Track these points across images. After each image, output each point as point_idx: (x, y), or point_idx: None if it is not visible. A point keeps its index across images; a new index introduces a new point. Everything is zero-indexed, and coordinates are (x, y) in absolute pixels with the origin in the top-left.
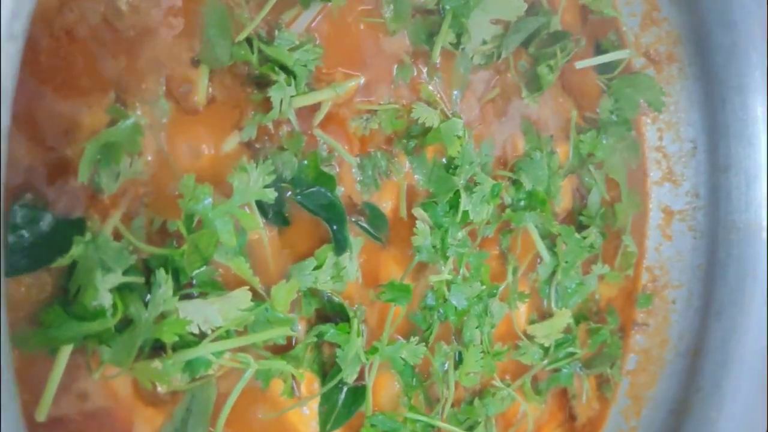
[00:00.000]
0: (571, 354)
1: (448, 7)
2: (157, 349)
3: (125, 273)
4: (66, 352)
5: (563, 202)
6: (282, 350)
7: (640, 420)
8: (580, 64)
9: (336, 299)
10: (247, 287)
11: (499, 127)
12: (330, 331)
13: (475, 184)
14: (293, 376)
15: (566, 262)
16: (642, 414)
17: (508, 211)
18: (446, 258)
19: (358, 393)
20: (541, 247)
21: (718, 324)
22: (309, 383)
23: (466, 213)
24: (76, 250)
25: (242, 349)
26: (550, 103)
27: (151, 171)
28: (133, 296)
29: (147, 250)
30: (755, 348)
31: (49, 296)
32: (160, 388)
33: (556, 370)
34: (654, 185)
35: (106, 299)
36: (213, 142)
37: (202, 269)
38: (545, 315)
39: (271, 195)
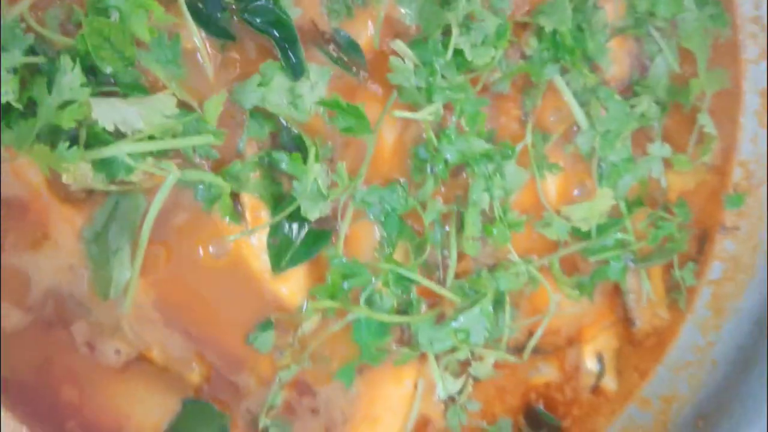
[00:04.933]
0: (622, 243)
1: None
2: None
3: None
4: None
5: (613, 67)
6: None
7: (720, 333)
8: None
9: (294, 130)
10: (171, 92)
11: None
12: (284, 159)
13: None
14: (238, 200)
15: (607, 131)
16: (723, 328)
17: (520, 63)
18: (431, 101)
19: (323, 234)
20: (575, 109)
21: None
22: (254, 210)
23: (461, 55)
24: None
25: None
26: None
27: None
28: (39, 81)
29: (41, 31)
30: None
31: None
32: (66, 179)
33: (604, 263)
34: (750, 64)
35: (2, 77)
36: None
37: (126, 71)
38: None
39: None
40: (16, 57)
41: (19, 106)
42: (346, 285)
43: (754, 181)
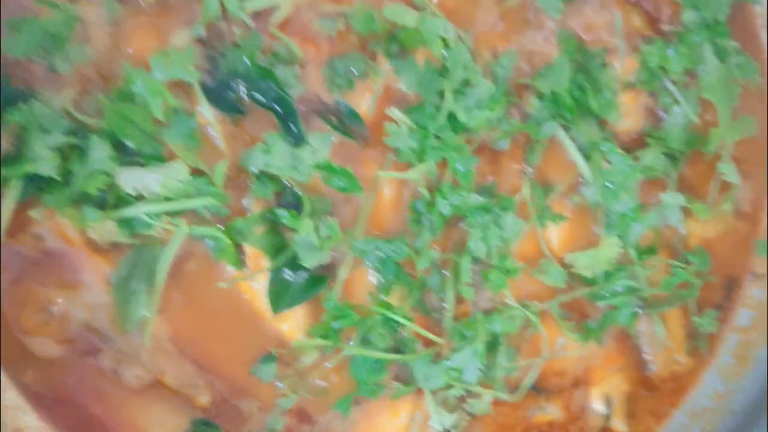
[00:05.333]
0: (631, 290)
1: None
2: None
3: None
4: (14, 188)
5: (627, 120)
6: None
7: (741, 381)
8: None
9: (296, 190)
10: (181, 161)
11: (528, 39)
12: (284, 215)
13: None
14: (241, 249)
15: (610, 183)
16: (744, 375)
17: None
18: (423, 160)
19: (320, 279)
20: (580, 162)
21: None
22: (255, 258)
23: (454, 118)
24: (15, 114)
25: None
26: (605, 13)
27: (103, 59)
28: (75, 156)
29: (78, 117)
30: None
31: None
32: (92, 235)
33: (614, 308)
34: None
35: (44, 154)
36: (163, 38)
37: (147, 144)
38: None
39: (191, 74)
40: (57, 138)
41: (58, 178)
42: (336, 325)
43: None
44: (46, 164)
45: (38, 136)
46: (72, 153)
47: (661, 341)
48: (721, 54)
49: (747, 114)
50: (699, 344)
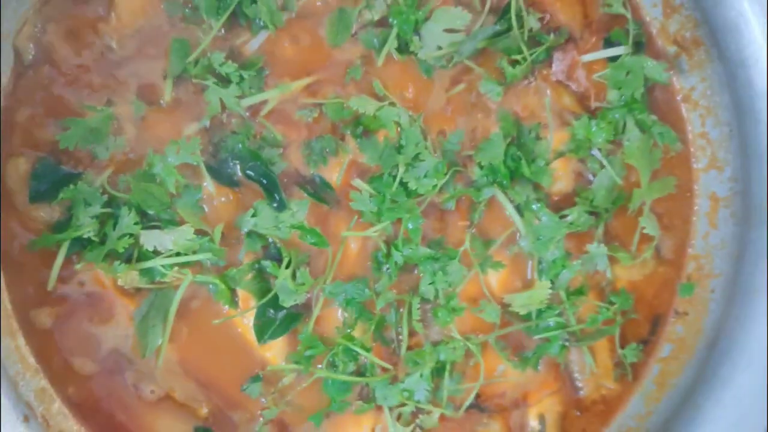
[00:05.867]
0: (561, 325)
1: (394, 22)
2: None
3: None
4: (64, 247)
5: (559, 183)
6: None
7: (658, 405)
8: (585, 58)
9: (278, 245)
10: (189, 225)
11: (472, 118)
12: (268, 265)
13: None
14: (234, 292)
15: (541, 236)
16: (661, 400)
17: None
18: (381, 220)
19: (296, 316)
20: (516, 218)
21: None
22: (245, 299)
23: (406, 186)
24: (66, 192)
25: (193, 268)
26: (539, 94)
27: (132, 147)
28: (110, 223)
29: (112, 192)
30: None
31: (57, 219)
32: (119, 282)
33: (546, 340)
34: (701, 172)
35: (86, 221)
36: (178, 129)
37: (164, 212)
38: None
39: (196, 159)
40: (96, 209)
41: (96, 239)
42: (308, 353)
43: (704, 273)
44: (87, 229)
45: (82, 208)
46: (107, 220)
47: (590, 369)
48: (641, 125)
49: (670, 174)
50: (626, 372)
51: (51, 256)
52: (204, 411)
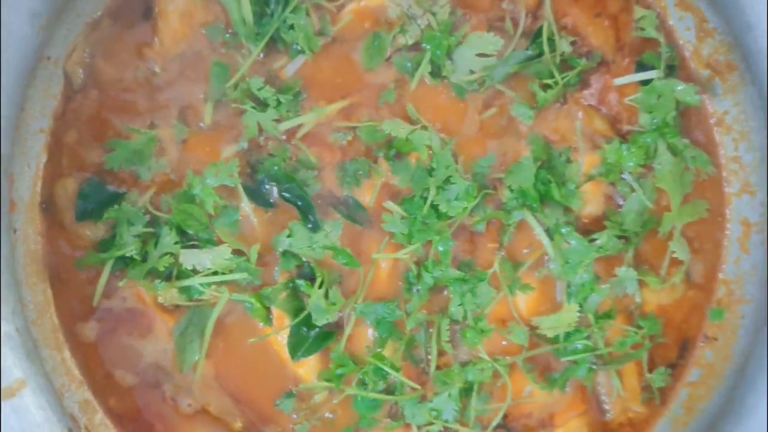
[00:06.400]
0: (589, 348)
1: (428, 46)
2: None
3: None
4: (108, 265)
5: (588, 206)
6: None
7: (685, 430)
8: (617, 81)
9: (312, 265)
10: (227, 245)
11: (503, 141)
12: (302, 284)
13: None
14: (269, 310)
15: (569, 260)
16: (689, 425)
17: (488, 209)
18: (411, 242)
19: (329, 334)
20: (545, 242)
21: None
22: (279, 318)
23: (437, 208)
24: (111, 211)
25: (229, 287)
26: (570, 118)
27: (174, 168)
28: (152, 242)
29: (154, 212)
30: None
31: (101, 237)
32: (161, 299)
33: (574, 363)
34: (733, 197)
35: (129, 240)
36: (217, 151)
37: (203, 231)
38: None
39: (234, 181)
40: (139, 229)
41: (138, 257)
42: (339, 372)
43: (734, 298)
44: (131, 248)
45: (126, 228)
46: (149, 239)
47: (617, 392)
48: (673, 149)
49: (701, 197)
50: (653, 396)
51: (95, 273)
52: (238, 425)
